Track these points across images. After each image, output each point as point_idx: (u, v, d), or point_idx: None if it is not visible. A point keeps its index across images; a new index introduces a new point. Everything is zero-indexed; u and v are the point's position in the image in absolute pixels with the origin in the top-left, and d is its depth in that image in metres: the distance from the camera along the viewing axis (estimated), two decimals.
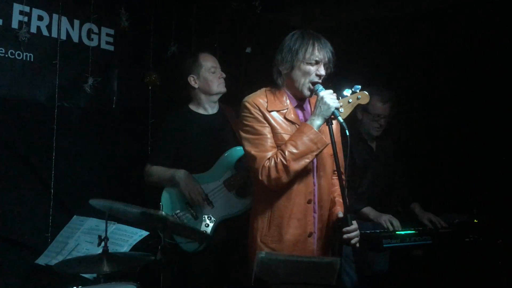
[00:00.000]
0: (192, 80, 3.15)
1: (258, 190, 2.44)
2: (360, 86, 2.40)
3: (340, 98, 2.40)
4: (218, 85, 3.14)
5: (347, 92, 2.43)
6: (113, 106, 3.69)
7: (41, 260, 2.90)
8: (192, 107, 3.21)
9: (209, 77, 3.13)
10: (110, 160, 3.64)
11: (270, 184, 2.31)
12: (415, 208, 3.33)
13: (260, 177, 2.30)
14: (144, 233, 2.80)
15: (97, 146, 3.59)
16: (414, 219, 3.25)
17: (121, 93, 3.72)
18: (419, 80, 3.99)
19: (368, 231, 2.98)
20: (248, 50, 4.45)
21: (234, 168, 3.04)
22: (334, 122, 2.35)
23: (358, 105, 2.47)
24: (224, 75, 3.17)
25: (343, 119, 2.29)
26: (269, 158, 2.30)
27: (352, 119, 2.89)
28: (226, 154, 3.06)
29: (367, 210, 3.16)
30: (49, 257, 2.90)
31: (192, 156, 3.08)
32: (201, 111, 3.19)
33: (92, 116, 3.57)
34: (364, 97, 2.43)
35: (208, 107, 3.19)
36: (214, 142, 3.09)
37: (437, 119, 3.96)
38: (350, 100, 2.42)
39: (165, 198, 3.09)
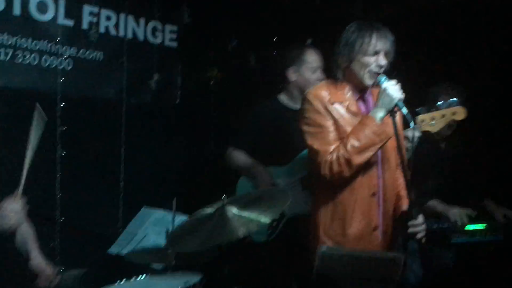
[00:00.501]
0: (291, 73, 3.07)
1: (320, 183, 2.41)
2: (457, 99, 2.29)
3: (433, 110, 2.30)
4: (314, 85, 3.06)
5: (442, 105, 2.32)
6: (177, 102, 3.79)
7: (113, 250, 3.03)
8: (283, 99, 3.14)
9: (308, 76, 3.04)
10: (175, 154, 3.75)
11: (332, 178, 2.28)
12: (488, 205, 3.17)
13: (322, 171, 2.28)
14: None
15: (163, 140, 3.70)
16: (485, 215, 3.09)
17: (185, 89, 3.81)
18: (491, 75, 3.72)
19: (435, 226, 2.87)
20: (309, 42, 4.41)
21: None
22: (397, 114, 2.28)
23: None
24: (322, 77, 3.02)
25: (434, 132, 2.20)
26: (331, 152, 2.27)
27: None
28: (305, 152, 3.01)
29: (434, 203, 3.04)
30: (120, 247, 3.03)
31: (273, 148, 3.03)
32: (291, 104, 3.13)
33: (157, 112, 3.69)
34: (460, 113, 2.29)
35: (299, 102, 3.14)
36: (297, 138, 3.06)
37: (509, 114, 3.73)
38: (444, 114, 2.31)
39: (241, 186, 3.11)
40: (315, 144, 2.32)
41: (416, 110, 2.38)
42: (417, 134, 2.37)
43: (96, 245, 3.27)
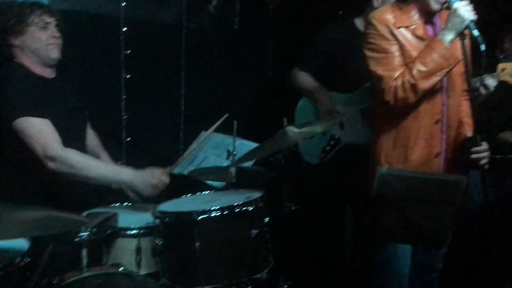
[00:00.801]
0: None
1: (382, 110, 2.39)
2: None
3: None
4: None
5: None
6: (236, 27, 3.77)
7: (175, 170, 3.19)
8: (359, 23, 3.03)
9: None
10: (233, 79, 3.78)
11: (396, 104, 2.25)
12: None
13: (386, 98, 2.24)
14: None
15: (222, 65, 3.73)
16: None
17: (243, 14, 3.77)
18: None
19: (498, 156, 2.81)
20: None
21: None
22: (467, 37, 2.19)
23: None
24: None
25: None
26: (396, 78, 2.22)
27: None
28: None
29: (507, 134, 2.95)
30: (181, 168, 3.18)
31: (340, 74, 2.99)
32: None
33: (216, 37, 3.70)
34: None
35: None
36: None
37: None
38: None
39: (300, 107, 3.14)
40: (379, 69, 2.28)
41: (499, 57, 2.27)
42: (494, 82, 2.29)
43: (159, 165, 3.43)
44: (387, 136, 2.36)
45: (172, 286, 2.03)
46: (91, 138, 2.69)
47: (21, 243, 1.85)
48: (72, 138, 2.37)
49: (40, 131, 2.22)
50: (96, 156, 2.60)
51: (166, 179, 2.35)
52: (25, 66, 2.34)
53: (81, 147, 2.45)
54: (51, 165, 2.20)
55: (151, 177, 2.30)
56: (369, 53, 2.33)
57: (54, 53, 2.36)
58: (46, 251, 1.69)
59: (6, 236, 1.69)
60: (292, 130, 2.31)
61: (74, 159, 2.23)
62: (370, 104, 2.83)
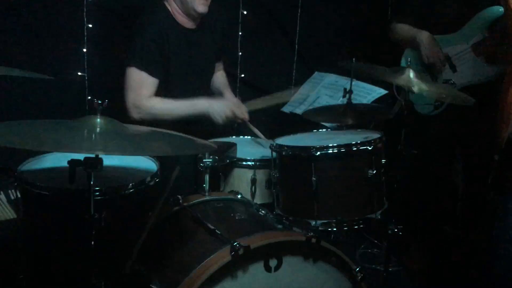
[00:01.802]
0: None
1: None
2: None
3: None
4: None
5: None
6: None
7: (286, 108, 3.21)
8: None
9: None
10: (351, 20, 3.67)
11: None
12: None
13: None
14: (383, 91, 2.83)
15: (338, 7, 3.63)
16: None
17: None
18: None
19: None
20: None
21: (487, 31, 2.76)
22: None
23: None
24: None
25: None
26: None
27: None
28: (479, 14, 2.77)
29: None
30: (293, 107, 3.19)
31: (441, 15, 2.85)
32: None
33: None
34: None
35: None
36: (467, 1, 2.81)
37: None
38: None
39: (407, 55, 3.02)
40: None
41: None
42: None
43: None
44: None
45: (285, 218, 2.08)
46: (220, 78, 2.85)
47: (151, 165, 2.00)
48: (199, 85, 2.61)
49: (136, 83, 2.39)
50: (220, 93, 2.75)
51: (240, 113, 2.47)
52: (170, 13, 2.47)
53: (206, 89, 2.68)
54: (134, 114, 2.40)
55: (225, 108, 2.43)
56: None
57: (202, 8, 2.44)
58: (173, 174, 1.80)
59: (143, 153, 1.83)
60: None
61: (156, 107, 2.41)
62: (481, 38, 2.71)
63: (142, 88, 2.39)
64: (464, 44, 2.82)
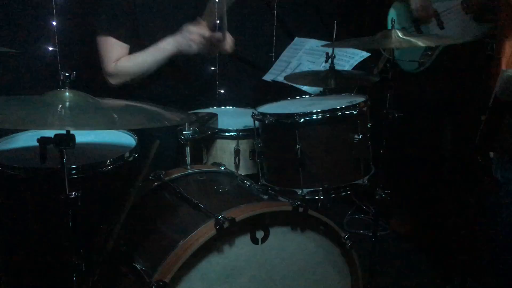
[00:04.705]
0: None
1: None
2: None
3: None
4: None
5: None
6: None
7: (267, 77, 3.13)
8: None
9: None
10: None
11: None
12: None
13: None
14: (365, 54, 2.77)
15: None
16: None
17: None
18: None
19: None
20: None
21: None
22: None
23: None
24: None
25: None
26: None
27: None
28: None
29: None
30: (274, 74, 3.11)
31: None
32: None
33: None
34: None
35: None
36: None
37: None
38: None
39: (392, 13, 2.94)
40: None
41: None
42: None
43: (252, 72, 3.39)
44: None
45: (271, 188, 2.03)
46: None
47: (129, 140, 1.92)
48: None
49: (104, 50, 2.28)
50: None
51: (202, 30, 2.27)
52: None
53: None
54: (112, 81, 2.30)
55: (189, 34, 2.25)
56: None
57: None
58: (152, 148, 1.73)
59: (119, 127, 1.75)
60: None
61: (125, 66, 2.29)
62: None
63: (110, 53, 2.28)
64: (454, 0, 2.74)
